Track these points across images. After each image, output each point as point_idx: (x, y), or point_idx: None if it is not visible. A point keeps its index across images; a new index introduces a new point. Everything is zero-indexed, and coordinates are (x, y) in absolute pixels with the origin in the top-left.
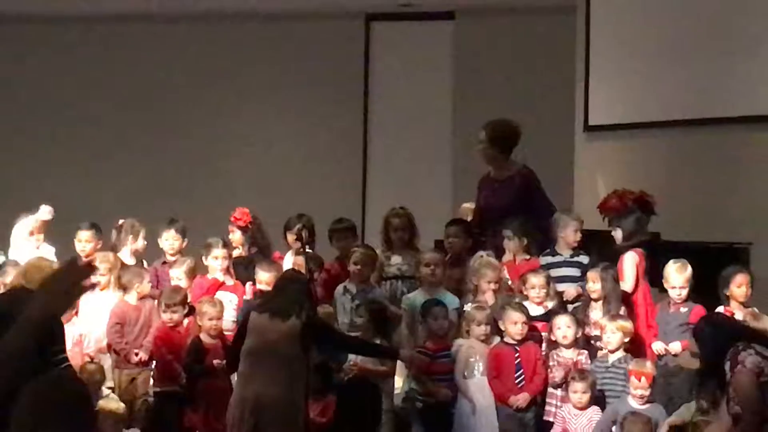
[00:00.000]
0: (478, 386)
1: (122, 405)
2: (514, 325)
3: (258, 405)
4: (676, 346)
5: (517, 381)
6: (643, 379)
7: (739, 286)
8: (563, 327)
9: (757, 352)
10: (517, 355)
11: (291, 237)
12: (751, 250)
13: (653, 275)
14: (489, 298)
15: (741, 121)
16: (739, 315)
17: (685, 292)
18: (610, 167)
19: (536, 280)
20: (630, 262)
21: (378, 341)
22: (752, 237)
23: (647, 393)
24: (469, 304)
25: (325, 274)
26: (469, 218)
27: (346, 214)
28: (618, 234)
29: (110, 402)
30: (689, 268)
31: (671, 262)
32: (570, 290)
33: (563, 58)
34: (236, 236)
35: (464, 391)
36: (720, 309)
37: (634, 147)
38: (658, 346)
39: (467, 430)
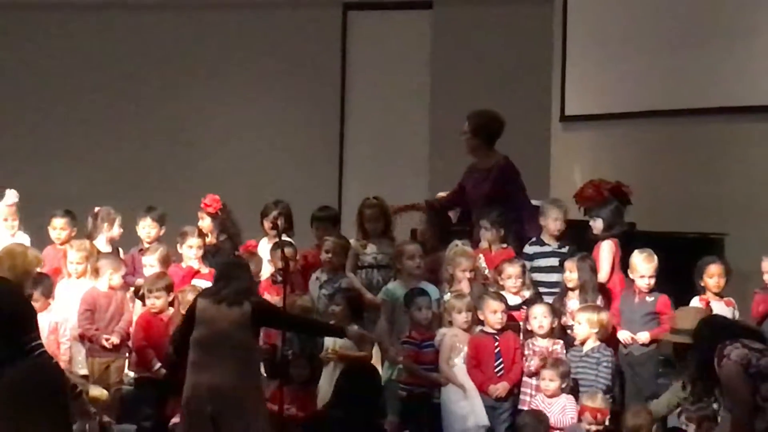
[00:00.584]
0: (464, 372)
1: (105, 392)
2: (493, 314)
3: (214, 394)
4: (643, 336)
5: (496, 370)
6: (598, 415)
7: (711, 277)
8: (539, 317)
9: (743, 345)
10: (496, 344)
11: (267, 224)
12: (725, 241)
13: (624, 266)
14: (464, 286)
15: (717, 112)
16: (714, 305)
17: (652, 281)
18: (586, 157)
19: (512, 269)
20: (607, 252)
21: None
22: (727, 228)
23: (601, 428)
24: (449, 294)
25: (302, 261)
26: None
27: (322, 203)
28: (598, 224)
29: (94, 390)
30: (655, 258)
31: (637, 251)
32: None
33: (540, 48)
34: (206, 223)
35: (452, 378)
36: (695, 299)
37: (610, 137)
38: (624, 336)
39: (460, 415)
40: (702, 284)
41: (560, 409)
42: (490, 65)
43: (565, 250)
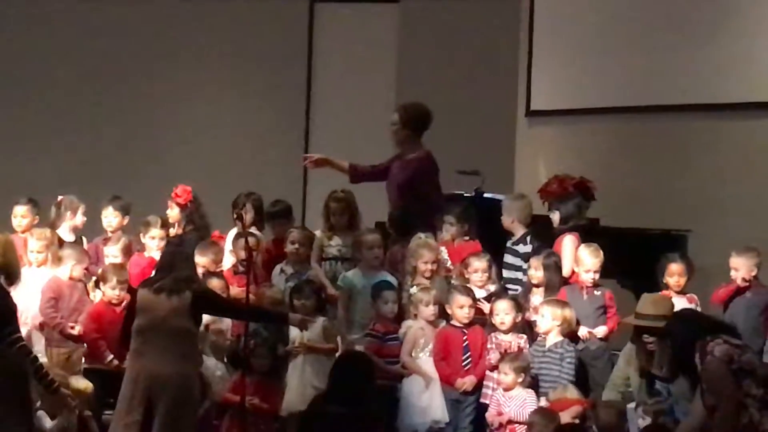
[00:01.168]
0: (428, 364)
1: (90, 385)
2: (460, 309)
3: (151, 381)
4: (600, 330)
5: (464, 364)
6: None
7: (672, 276)
8: (501, 313)
9: (725, 341)
10: (464, 337)
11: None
12: (688, 237)
13: None
14: (423, 279)
15: (681, 109)
16: (676, 301)
17: (597, 276)
18: (551, 152)
19: (478, 263)
20: (569, 246)
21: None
22: (690, 224)
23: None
24: (415, 287)
25: (265, 254)
26: None
27: (287, 194)
28: (555, 217)
29: (78, 382)
30: (602, 253)
31: (583, 246)
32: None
33: (506, 43)
34: (174, 213)
35: (416, 369)
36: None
37: (576, 133)
38: (583, 332)
39: (420, 407)
40: (664, 281)
41: (520, 403)
42: (456, 60)
43: (515, 247)
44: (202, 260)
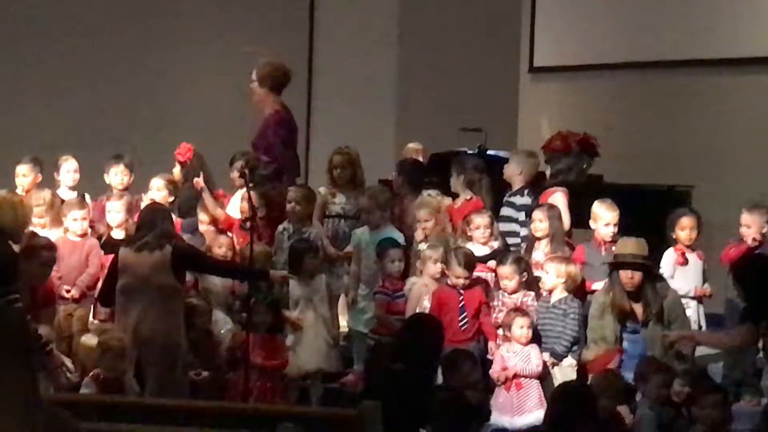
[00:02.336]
0: None
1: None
2: (457, 278)
3: (136, 339)
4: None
5: (460, 324)
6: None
7: (683, 229)
8: (504, 279)
9: None
10: (461, 297)
11: (234, 174)
12: (692, 192)
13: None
14: (419, 235)
15: (685, 64)
16: (689, 256)
17: (615, 230)
18: (554, 109)
19: (480, 220)
20: (561, 201)
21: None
22: (694, 179)
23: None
24: (423, 244)
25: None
26: (416, 157)
27: None
28: (548, 171)
29: (90, 339)
30: (616, 207)
31: (598, 201)
32: None
33: (509, 0)
34: (176, 170)
35: None
36: (670, 250)
37: (579, 89)
38: (599, 287)
39: None
40: (674, 236)
41: (525, 359)
42: (459, 16)
43: (511, 199)
44: (206, 217)
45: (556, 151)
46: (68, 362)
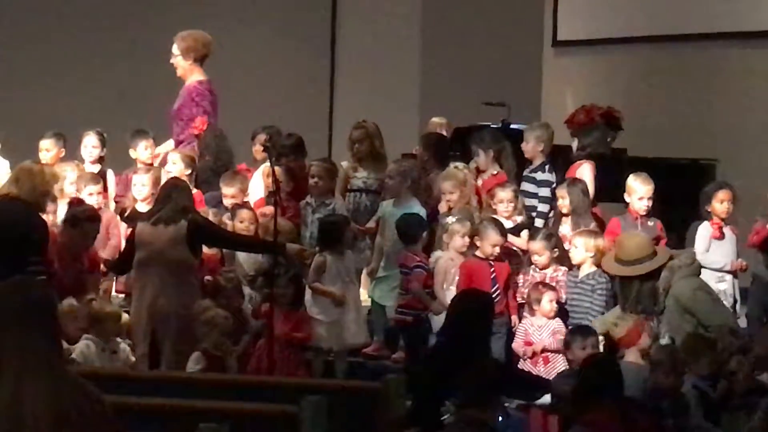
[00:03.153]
0: None
1: (119, 310)
2: (492, 246)
3: (153, 313)
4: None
5: (494, 296)
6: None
7: (721, 202)
8: (535, 255)
9: None
10: (492, 269)
11: (256, 149)
12: (717, 167)
13: (617, 190)
14: (443, 207)
15: (709, 37)
16: (725, 231)
17: (650, 203)
18: (577, 82)
19: (504, 194)
20: (588, 174)
21: (324, 254)
22: (718, 153)
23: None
24: (450, 218)
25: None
26: (440, 131)
27: (313, 128)
28: (575, 144)
29: (106, 306)
30: (651, 181)
31: (633, 175)
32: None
33: None
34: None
35: (443, 299)
36: (705, 224)
37: (602, 62)
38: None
39: None
40: (708, 210)
41: (549, 332)
42: None
43: (532, 175)
44: (229, 191)
45: (580, 125)
46: None
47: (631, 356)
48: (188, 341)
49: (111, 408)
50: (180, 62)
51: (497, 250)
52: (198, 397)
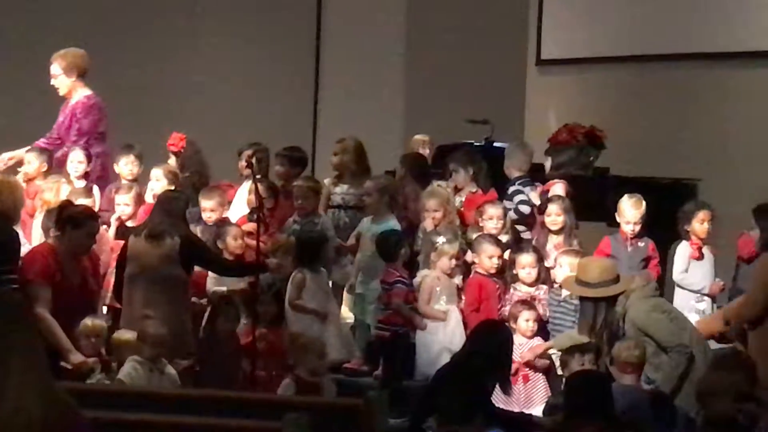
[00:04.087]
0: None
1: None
2: (489, 258)
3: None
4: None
5: (500, 313)
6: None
7: (701, 222)
8: (527, 267)
9: None
10: (497, 286)
11: (242, 164)
12: (699, 186)
13: (599, 209)
14: (429, 225)
15: (692, 57)
16: (705, 251)
17: (637, 228)
18: (561, 101)
19: (494, 210)
20: (562, 193)
21: (302, 271)
22: (701, 173)
23: None
24: (441, 237)
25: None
26: (421, 150)
27: (296, 144)
28: (547, 163)
29: (124, 334)
30: (644, 204)
31: (626, 197)
32: None
33: None
34: (172, 161)
35: (435, 315)
36: (684, 244)
37: (586, 82)
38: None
39: (436, 350)
40: (687, 229)
41: (529, 351)
42: (467, 8)
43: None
44: (208, 204)
45: (563, 143)
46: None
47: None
48: (180, 357)
49: (89, 422)
50: (63, 81)
51: (495, 261)
52: (181, 414)
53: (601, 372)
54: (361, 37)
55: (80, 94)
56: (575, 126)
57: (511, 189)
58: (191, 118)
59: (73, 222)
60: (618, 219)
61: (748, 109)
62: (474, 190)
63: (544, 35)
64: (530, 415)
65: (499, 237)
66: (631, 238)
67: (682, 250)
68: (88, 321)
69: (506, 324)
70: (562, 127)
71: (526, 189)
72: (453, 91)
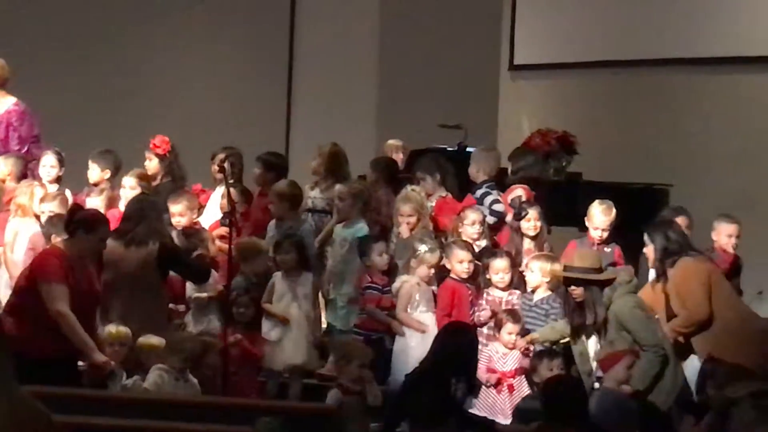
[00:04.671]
0: (422, 320)
1: (163, 340)
2: (460, 263)
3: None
4: None
5: (472, 319)
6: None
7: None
8: (501, 272)
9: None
10: (470, 292)
11: (215, 169)
12: (670, 191)
13: (571, 215)
14: (404, 231)
15: (665, 63)
16: None
17: (605, 235)
18: (534, 106)
19: (475, 216)
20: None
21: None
22: (673, 178)
23: None
24: (424, 246)
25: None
26: (394, 155)
27: (269, 149)
28: (509, 168)
29: (151, 338)
30: (614, 211)
31: (597, 202)
32: None
33: None
34: (152, 164)
35: (411, 323)
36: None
37: (559, 87)
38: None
39: (415, 357)
40: None
41: (513, 361)
42: (439, 13)
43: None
44: (176, 208)
45: (535, 148)
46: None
47: (609, 382)
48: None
49: (60, 427)
50: None
51: (465, 266)
52: (153, 418)
53: (575, 377)
54: (334, 41)
55: (8, 102)
56: (548, 131)
57: (479, 192)
58: (165, 123)
59: (85, 226)
60: (587, 224)
61: (720, 115)
62: (444, 194)
63: (517, 40)
64: (493, 421)
65: (480, 242)
66: (598, 244)
67: None
68: (112, 328)
69: (472, 328)
70: (535, 132)
71: (494, 192)
72: (426, 95)
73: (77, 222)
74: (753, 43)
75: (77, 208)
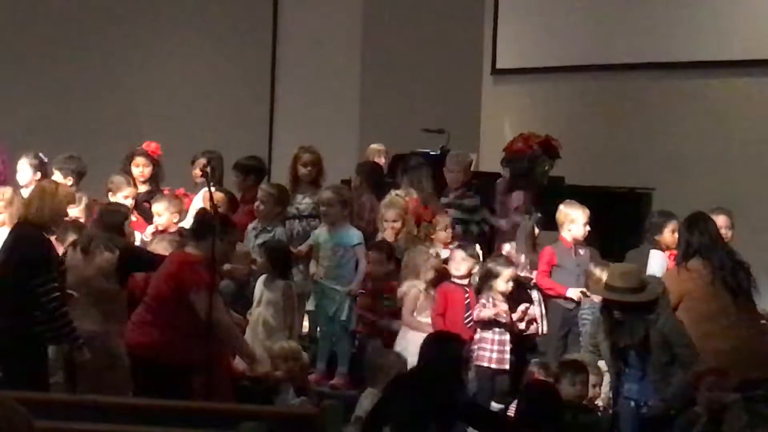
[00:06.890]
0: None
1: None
2: (458, 263)
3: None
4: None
5: (465, 322)
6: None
7: (672, 232)
8: (510, 280)
9: None
10: (467, 295)
11: (196, 173)
12: (653, 195)
13: (552, 219)
14: (389, 235)
15: (644, 67)
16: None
17: (588, 229)
18: (516, 110)
19: (445, 221)
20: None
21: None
22: (655, 182)
23: None
24: (434, 251)
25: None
26: (377, 159)
27: (252, 153)
28: (505, 174)
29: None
30: (587, 210)
31: (565, 204)
32: None
33: (472, 1)
34: (138, 171)
35: (419, 327)
36: (657, 252)
37: (541, 91)
38: (575, 293)
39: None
40: (657, 239)
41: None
42: (422, 17)
43: (460, 201)
44: (158, 207)
45: (518, 152)
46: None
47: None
48: (110, 368)
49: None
50: None
51: (469, 263)
52: (136, 423)
53: (552, 386)
54: (316, 45)
55: None
56: (530, 135)
57: (452, 196)
58: (147, 127)
59: (224, 229)
60: (566, 226)
61: (701, 119)
62: (414, 195)
63: (499, 45)
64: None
65: (448, 247)
66: (578, 243)
67: (660, 260)
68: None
69: (457, 337)
70: (518, 136)
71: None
72: (409, 100)
73: (210, 227)
74: (731, 48)
75: (205, 212)
